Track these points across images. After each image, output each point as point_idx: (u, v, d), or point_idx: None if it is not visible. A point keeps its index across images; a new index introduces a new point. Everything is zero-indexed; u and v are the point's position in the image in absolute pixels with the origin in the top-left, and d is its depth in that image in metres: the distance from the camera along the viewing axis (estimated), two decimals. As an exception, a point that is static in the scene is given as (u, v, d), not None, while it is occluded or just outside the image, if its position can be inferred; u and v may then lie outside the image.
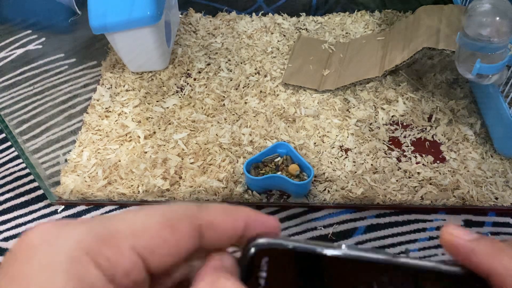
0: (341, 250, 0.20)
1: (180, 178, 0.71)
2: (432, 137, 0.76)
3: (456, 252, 0.20)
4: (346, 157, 0.73)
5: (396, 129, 0.77)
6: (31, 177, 0.75)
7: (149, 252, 0.19)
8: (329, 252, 0.20)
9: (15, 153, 0.79)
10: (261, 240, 0.21)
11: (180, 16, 1.01)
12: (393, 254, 0.20)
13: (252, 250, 0.21)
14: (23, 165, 0.77)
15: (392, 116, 0.79)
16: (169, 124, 0.78)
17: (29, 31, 0.99)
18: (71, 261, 0.17)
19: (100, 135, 0.77)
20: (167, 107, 0.81)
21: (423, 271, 0.20)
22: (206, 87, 0.85)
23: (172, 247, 0.19)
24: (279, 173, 0.68)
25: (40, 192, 0.73)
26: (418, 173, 0.70)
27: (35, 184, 0.74)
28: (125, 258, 0.18)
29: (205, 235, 0.20)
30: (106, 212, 0.70)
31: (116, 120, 0.80)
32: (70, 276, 0.17)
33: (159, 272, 0.20)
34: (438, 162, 0.72)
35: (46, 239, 0.18)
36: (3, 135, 0.83)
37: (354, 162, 0.72)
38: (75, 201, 0.71)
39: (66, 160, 0.75)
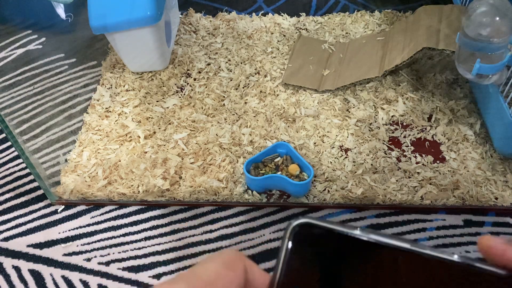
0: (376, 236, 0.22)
1: (180, 178, 0.71)
2: (432, 137, 0.76)
3: (492, 252, 0.23)
4: (346, 157, 0.73)
5: (396, 129, 0.77)
6: (31, 177, 0.75)
7: None
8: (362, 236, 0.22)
9: (15, 153, 0.79)
10: (303, 220, 0.23)
11: (180, 16, 1.01)
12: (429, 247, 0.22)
13: (294, 226, 0.23)
14: (23, 165, 0.77)
15: (392, 116, 0.79)
16: (169, 124, 0.78)
17: (29, 31, 0.99)
18: None
19: (100, 135, 0.77)
20: (167, 107, 0.81)
21: (459, 267, 0.22)
22: (206, 87, 0.85)
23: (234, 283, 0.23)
24: (279, 173, 0.68)
25: (40, 192, 0.73)
26: (418, 173, 0.70)
27: (35, 184, 0.74)
28: None
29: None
30: (106, 212, 0.70)
31: (116, 120, 0.80)
32: None
33: None
34: (438, 162, 0.72)
35: None
36: (3, 135, 0.83)
37: (354, 162, 0.72)
38: (75, 201, 0.71)
39: (66, 160, 0.75)
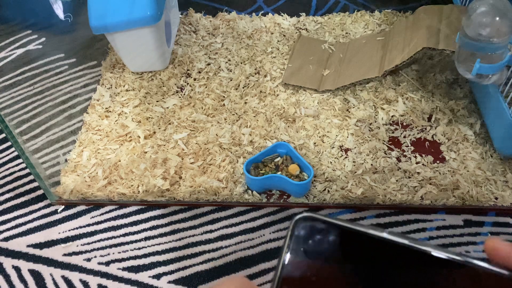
0: (385, 234, 0.22)
1: (180, 178, 0.71)
2: (432, 137, 0.76)
3: (497, 254, 0.23)
4: (346, 157, 0.73)
5: (396, 129, 0.77)
6: (31, 177, 0.75)
7: None
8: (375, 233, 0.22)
9: (15, 153, 0.79)
10: (306, 214, 0.23)
11: (180, 16, 1.01)
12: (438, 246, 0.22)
13: (298, 220, 0.23)
14: (23, 165, 0.77)
15: (392, 116, 0.79)
16: (169, 124, 0.78)
17: (29, 31, 0.99)
18: None
19: (100, 135, 0.77)
20: (167, 107, 0.81)
21: (456, 264, 0.22)
22: (206, 87, 0.85)
23: None
24: (279, 173, 0.68)
25: (40, 192, 0.73)
26: (418, 173, 0.71)
27: (35, 184, 0.74)
28: None
29: None
30: (106, 212, 0.70)
31: (116, 120, 0.80)
32: None
33: None
34: (438, 162, 0.72)
35: None
36: (3, 135, 0.83)
37: (354, 162, 0.72)
38: (75, 201, 0.71)
39: (66, 160, 0.75)
